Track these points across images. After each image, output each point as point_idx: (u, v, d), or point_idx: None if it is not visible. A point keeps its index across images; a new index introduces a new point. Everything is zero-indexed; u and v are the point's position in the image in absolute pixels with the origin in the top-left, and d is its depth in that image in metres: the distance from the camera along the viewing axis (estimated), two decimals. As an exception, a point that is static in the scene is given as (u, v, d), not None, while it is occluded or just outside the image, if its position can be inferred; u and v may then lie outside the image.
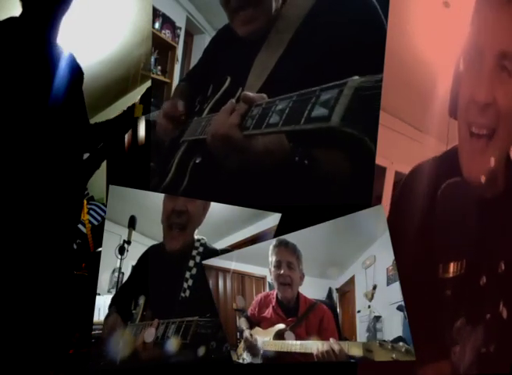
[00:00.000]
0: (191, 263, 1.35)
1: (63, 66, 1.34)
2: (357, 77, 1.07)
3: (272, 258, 1.31)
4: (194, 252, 1.36)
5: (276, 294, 1.31)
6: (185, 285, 1.35)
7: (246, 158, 1.18)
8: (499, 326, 1.27)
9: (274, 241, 1.31)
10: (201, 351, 1.32)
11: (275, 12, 1.25)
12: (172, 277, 1.36)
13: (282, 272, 1.30)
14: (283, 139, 1.16)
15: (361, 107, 1.07)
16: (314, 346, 1.24)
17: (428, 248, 1.28)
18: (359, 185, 1.26)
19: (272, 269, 1.31)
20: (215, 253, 1.35)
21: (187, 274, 1.35)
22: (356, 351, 1.21)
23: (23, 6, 1.33)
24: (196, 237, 1.36)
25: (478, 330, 1.27)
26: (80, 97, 1.39)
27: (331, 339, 1.24)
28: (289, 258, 1.30)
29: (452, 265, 1.28)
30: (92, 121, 1.47)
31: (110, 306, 1.36)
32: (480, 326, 1.27)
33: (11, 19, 1.31)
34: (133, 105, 1.44)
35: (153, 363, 1.32)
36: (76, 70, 1.38)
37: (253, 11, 1.25)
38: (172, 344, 1.32)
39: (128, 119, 1.44)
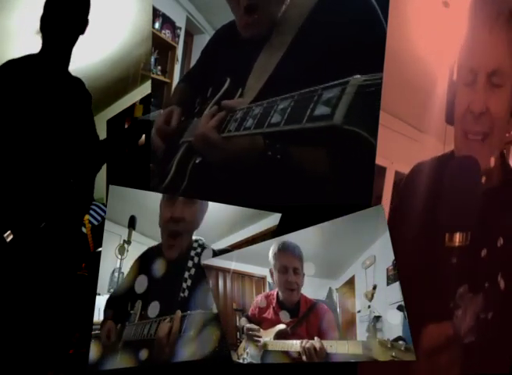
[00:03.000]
0: (190, 264, 1.35)
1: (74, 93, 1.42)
2: (358, 76, 1.07)
3: (277, 262, 1.31)
4: (193, 253, 1.36)
5: (277, 295, 1.31)
6: (184, 285, 1.35)
7: (225, 157, 1.26)
8: (497, 295, 1.36)
9: (279, 244, 1.31)
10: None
11: (281, 15, 1.25)
12: (170, 278, 1.36)
13: (289, 278, 1.30)
14: (259, 138, 1.20)
15: (364, 105, 1.08)
16: (297, 345, 1.25)
17: (435, 220, 1.34)
18: (359, 184, 1.27)
19: (277, 273, 1.31)
20: (213, 253, 1.35)
21: (186, 274, 1.35)
22: (355, 349, 1.21)
23: (44, 43, 1.38)
24: (193, 237, 1.37)
25: (478, 298, 1.35)
26: (90, 118, 1.45)
27: (315, 338, 1.24)
28: (295, 264, 1.30)
29: (457, 235, 1.34)
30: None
31: (105, 310, 1.36)
32: (480, 294, 1.35)
33: (29, 57, 1.37)
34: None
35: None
36: (85, 95, 1.44)
37: (261, 14, 1.26)
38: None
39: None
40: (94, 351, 1.32)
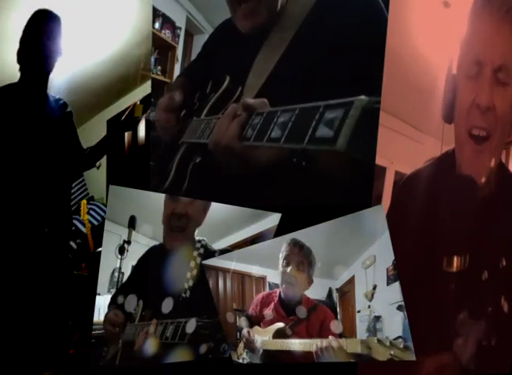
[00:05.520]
0: (192, 264, 1.35)
1: (56, 113, 1.46)
2: (363, 97, 1.03)
3: (283, 255, 1.31)
4: (195, 253, 1.36)
5: (279, 293, 1.31)
6: (185, 286, 1.35)
7: (247, 166, 1.18)
8: (501, 319, 1.31)
9: (288, 240, 1.30)
10: (200, 350, 1.32)
11: (280, 8, 1.23)
12: (172, 278, 1.36)
13: (289, 270, 1.30)
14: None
15: (366, 129, 1.04)
16: (313, 344, 1.24)
17: (432, 242, 1.30)
18: (358, 189, 1.26)
19: (280, 266, 1.31)
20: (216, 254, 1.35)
21: (188, 275, 1.35)
22: (354, 347, 1.21)
23: (22, 74, 1.42)
24: (197, 238, 1.36)
25: (480, 324, 1.30)
26: (73, 132, 1.49)
27: (330, 337, 1.24)
28: (301, 259, 1.30)
29: (455, 259, 1.30)
30: (92, 120, 1.48)
31: (109, 305, 1.36)
32: (482, 319, 1.30)
33: (10, 86, 1.42)
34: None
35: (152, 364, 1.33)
36: (65, 112, 1.48)
37: (256, 3, 1.23)
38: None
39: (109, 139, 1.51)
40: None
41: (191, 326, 1.32)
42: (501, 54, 1.23)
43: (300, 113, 1.07)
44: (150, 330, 1.32)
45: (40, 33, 1.40)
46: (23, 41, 1.40)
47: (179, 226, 1.36)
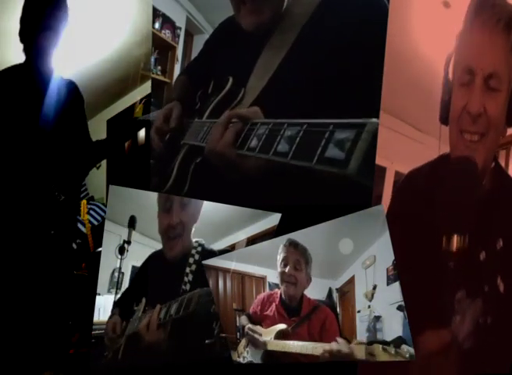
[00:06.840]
0: (191, 260, 1.36)
1: (64, 95, 1.43)
2: (375, 120, 0.99)
3: (280, 256, 1.31)
4: (193, 251, 1.36)
5: (280, 294, 1.31)
6: (185, 279, 1.35)
7: (244, 172, 1.17)
8: (497, 299, 1.33)
9: (284, 241, 1.31)
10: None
11: (285, 9, 1.22)
12: (172, 276, 1.36)
13: (287, 270, 1.30)
14: None
15: (372, 154, 1.02)
16: (316, 348, 1.24)
17: (431, 222, 1.32)
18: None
19: (279, 267, 1.31)
20: (213, 251, 1.36)
21: (187, 270, 1.35)
22: (360, 354, 1.21)
23: (26, 55, 1.39)
24: (194, 239, 1.38)
25: (477, 302, 1.33)
26: (82, 120, 1.47)
27: (338, 339, 1.24)
28: (297, 258, 1.30)
29: (455, 238, 1.32)
30: (92, 120, 1.47)
31: (113, 309, 1.37)
32: (479, 298, 1.33)
33: (15, 67, 1.39)
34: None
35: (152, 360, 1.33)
36: (76, 97, 1.45)
37: (261, 3, 1.22)
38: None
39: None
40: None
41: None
42: (492, 62, 1.25)
43: (308, 129, 1.04)
44: (153, 314, 1.34)
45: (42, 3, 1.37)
46: (25, 13, 1.37)
47: (177, 233, 1.38)
